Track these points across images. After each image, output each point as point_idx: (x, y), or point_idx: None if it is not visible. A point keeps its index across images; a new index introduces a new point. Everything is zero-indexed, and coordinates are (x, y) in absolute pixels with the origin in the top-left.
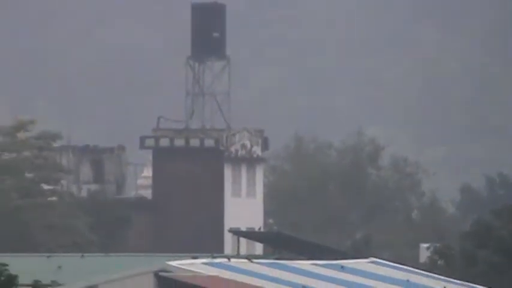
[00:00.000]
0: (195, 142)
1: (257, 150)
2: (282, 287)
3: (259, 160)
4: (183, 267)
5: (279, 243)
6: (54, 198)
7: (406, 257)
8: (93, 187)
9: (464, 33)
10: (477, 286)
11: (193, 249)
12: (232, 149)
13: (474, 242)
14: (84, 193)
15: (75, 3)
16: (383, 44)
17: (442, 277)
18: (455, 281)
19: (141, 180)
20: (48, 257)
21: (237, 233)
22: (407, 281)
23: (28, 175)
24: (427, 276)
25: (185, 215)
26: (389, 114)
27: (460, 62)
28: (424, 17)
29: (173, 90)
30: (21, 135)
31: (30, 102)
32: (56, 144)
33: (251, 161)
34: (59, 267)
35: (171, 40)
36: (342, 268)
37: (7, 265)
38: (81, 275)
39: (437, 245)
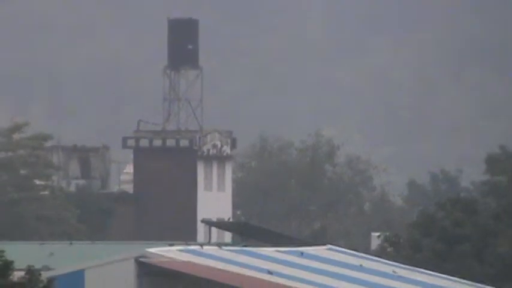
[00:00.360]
0: (171, 142)
1: (226, 150)
2: (248, 271)
3: (229, 158)
4: (160, 253)
5: (246, 232)
6: (45, 192)
7: (359, 245)
8: (81, 182)
9: (413, 44)
10: (422, 270)
11: (170, 237)
12: (205, 148)
13: (419, 231)
14: (72, 188)
15: (65, 19)
16: (340, 53)
17: (391, 262)
18: (402, 265)
19: (124, 176)
20: (40, 244)
21: (208, 223)
22: (360, 265)
23: (22, 171)
24: (378, 261)
25: (162, 207)
26: (345, 116)
27: (407, 69)
28: (378, 28)
29: (152, 96)
30: (16, 136)
31: (25, 107)
32: (48, 144)
33: (221, 159)
34: (51, 253)
35: (150, 51)
36: (302, 254)
37: (4, 251)
38: (70, 260)
39: (387, 234)
